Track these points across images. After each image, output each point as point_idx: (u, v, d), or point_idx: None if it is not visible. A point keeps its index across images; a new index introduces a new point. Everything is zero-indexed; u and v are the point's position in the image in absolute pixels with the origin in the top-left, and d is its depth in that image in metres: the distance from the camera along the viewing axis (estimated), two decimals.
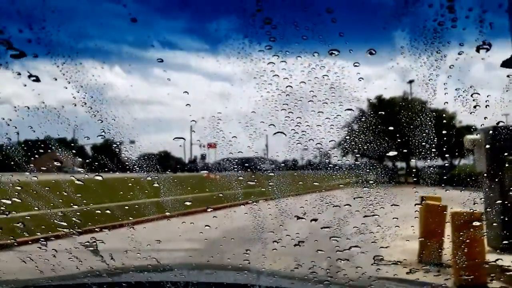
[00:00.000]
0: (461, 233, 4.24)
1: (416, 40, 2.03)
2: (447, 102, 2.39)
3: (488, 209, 4.88)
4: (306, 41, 2.07)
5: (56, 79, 2.11)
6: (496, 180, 4.70)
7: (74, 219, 2.83)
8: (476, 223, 4.29)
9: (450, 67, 2.14)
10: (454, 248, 4.52)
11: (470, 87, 2.22)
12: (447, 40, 2.01)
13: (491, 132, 4.69)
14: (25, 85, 1.98)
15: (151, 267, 2.37)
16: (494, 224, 4.81)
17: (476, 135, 5.09)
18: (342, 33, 2.02)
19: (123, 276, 1.89)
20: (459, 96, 2.25)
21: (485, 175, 5.03)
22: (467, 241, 4.21)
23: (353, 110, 2.41)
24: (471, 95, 2.25)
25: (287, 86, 2.27)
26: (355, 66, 2.14)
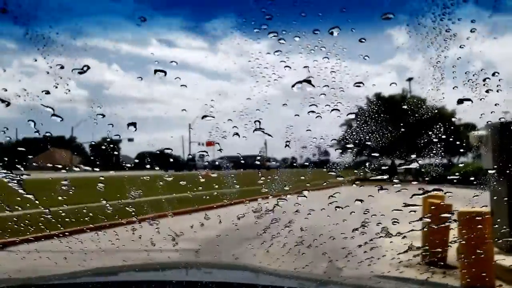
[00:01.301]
0: (467, 233, 4.07)
1: (424, 17, 1.86)
2: (457, 87, 2.21)
3: (495, 208, 4.71)
4: (305, 18, 1.91)
5: (53, 77, 2.06)
6: (504, 177, 4.53)
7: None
8: (483, 223, 4.13)
9: (460, 47, 1.96)
10: (460, 248, 4.36)
11: (481, 70, 2.04)
12: (458, 17, 1.83)
13: (498, 127, 4.53)
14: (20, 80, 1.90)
15: (149, 266, 2.30)
16: (502, 223, 4.64)
17: (482, 131, 4.93)
18: (344, 8, 1.85)
19: (122, 275, 1.82)
20: (468, 81, 2.08)
21: (491, 172, 4.86)
22: (473, 240, 4.05)
23: (363, 84, 2.20)
24: (483, 80, 2.07)
25: (285, 67, 2.10)
26: (361, 42, 1.95)
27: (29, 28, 1.88)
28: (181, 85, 3.18)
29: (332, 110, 2.61)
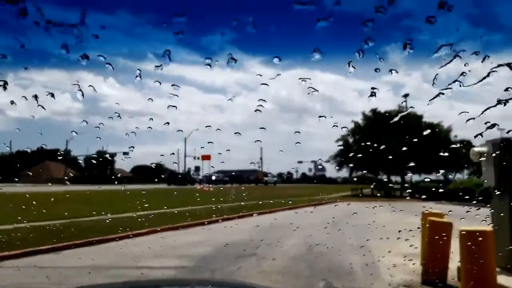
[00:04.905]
0: (469, 252, 3.93)
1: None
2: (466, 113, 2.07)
3: (496, 227, 4.58)
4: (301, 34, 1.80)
5: (49, 90, 1.98)
6: (506, 195, 4.40)
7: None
8: (485, 242, 3.99)
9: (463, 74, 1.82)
10: (462, 268, 4.21)
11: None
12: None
13: (500, 144, 4.43)
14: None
15: (141, 283, 2.23)
16: (504, 242, 4.50)
17: (483, 147, 4.82)
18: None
19: None
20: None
21: (493, 189, 4.74)
22: (476, 260, 3.91)
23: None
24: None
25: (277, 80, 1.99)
26: (357, 56, 1.82)
27: (25, 40, 1.81)
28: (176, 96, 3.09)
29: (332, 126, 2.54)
